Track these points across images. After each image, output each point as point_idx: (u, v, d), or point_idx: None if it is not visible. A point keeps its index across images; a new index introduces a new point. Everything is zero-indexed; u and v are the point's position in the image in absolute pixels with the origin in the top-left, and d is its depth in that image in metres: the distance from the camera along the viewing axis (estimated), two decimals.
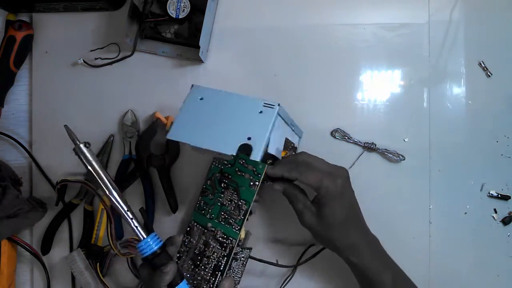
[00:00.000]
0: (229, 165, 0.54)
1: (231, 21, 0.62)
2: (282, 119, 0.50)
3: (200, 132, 0.46)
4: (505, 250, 0.60)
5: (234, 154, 0.44)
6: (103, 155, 0.61)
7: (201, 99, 0.48)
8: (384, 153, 0.60)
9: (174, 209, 0.60)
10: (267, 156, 0.48)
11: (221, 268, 0.52)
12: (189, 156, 0.61)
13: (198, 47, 0.56)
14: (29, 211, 0.58)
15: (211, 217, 0.54)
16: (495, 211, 0.60)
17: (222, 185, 0.54)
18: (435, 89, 0.60)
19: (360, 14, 0.61)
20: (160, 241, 0.48)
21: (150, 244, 0.46)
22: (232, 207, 0.53)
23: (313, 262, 0.58)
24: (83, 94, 0.62)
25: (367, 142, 0.60)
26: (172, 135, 0.46)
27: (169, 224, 0.61)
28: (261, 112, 0.46)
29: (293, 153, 0.56)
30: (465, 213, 0.60)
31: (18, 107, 0.63)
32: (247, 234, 0.55)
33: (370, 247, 0.52)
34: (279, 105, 0.47)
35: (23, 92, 0.63)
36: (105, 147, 0.61)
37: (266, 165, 0.51)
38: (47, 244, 0.61)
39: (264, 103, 0.47)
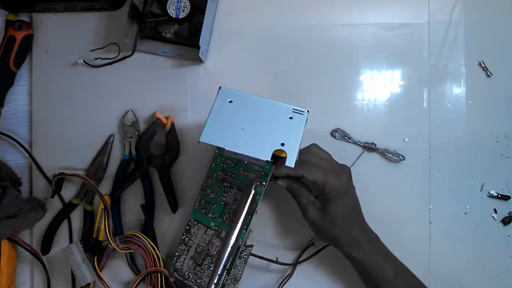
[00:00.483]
0: (233, 164, 0.54)
1: (231, 21, 0.62)
2: None
3: (232, 135, 0.46)
4: (505, 250, 0.60)
5: (269, 160, 0.44)
6: (103, 155, 0.61)
7: (230, 101, 0.48)
8: (384, 153, 0.60)
9: (174, 209, 0.60)
10: (273, 156, 0.48)
11: (227, 267, 0.52)
12: (189, 156, 0.61)
13: (198, 47, 0.56)
14: (29, 211, 0.58)
15: (214, 216, 0.54)
16: (495, 211, 0.60)
17: (225, 184, 0.54)
18: (435, 89, 0.60)
19: (360, 14, 0.61)
20: None
21: None
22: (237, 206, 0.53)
23: (312, 261, 0.58)
24: (83, 94, 0.62)
25: (367, 142, 0.60)
26: (204, 138, 0.46)
27: (169, 223, 0.61)
28: (291, 118, 0.47)
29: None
30: (465, 213, 0.60)
31: (18, 107, 0.63)
32: (248, 232, 0.55)
33: (371, 242, 0.52)
34: (308, 111, 0.47)
35: (23, 92, 0.63)
36: (105, 147, 0.61)
37: (274, 166, 0.51)
38: (47, 244, 0.61)
39: (293, 109, 0.48)
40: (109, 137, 0.62)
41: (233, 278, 0.55)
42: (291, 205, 0.55)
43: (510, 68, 0.60)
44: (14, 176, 0.61)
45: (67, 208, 0.61)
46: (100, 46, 0.62)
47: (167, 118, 0.60)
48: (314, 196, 0.53)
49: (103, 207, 0.60)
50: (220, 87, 0.49)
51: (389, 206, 0.60)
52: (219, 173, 0.55)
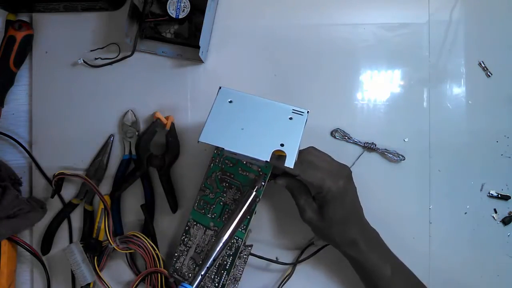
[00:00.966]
0: (231, 164, 0.54)
1: (231, 21, 0.62)
2: None
3: (232, 136, 0.46)
4: (505, 250, 0.60)
5: (268, 160, 0.44)
6: (103, 155, 0.61)
7: (230, 102, 0.48)
8: (384, 153, 0.60)
9: (174, 209, 0.60)
10: (273, 156, 0.49)
11: (227, 267, 0.52)
12: (189, 156, 0.61)
13: (198, 47, 0.56)
14: (29, 211, 0.58)
15: (213, 216, 0.54)
16: (495, 211, 0.60)
17: (224, 184, 0.54)
18: (435, 89, 0.60)
19: (360, 14, 0.61)
20: None
21: None
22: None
23: (312, 260, 0.58)
24: (83, 94, 0.62)
25: (367, 142, 0.60)
26: (203, 138, 0.46)
27: (169, 224, 0.61)
28: (291, 118, 0.47)
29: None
30: (465, 213, 0.60)
31: (18, 107, 0.63)
32: (248, 232, 0.55)
33: (369, 241, 0.52)
34: (308, 112, 0.47)
35: (23, 92, 0.63)
36: (105, 147, 0.61)
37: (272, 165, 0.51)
38: (47, 244, 0.61)
39: (293, 110, 0.48)
40: (109, 137, 0.62)
41: (233, 278, 0.55)
42: (290, 205, 0.55)
43: (510, 68, 0.60)
44: (14, 176, 0.61)
45: (67, 208, 0.61)
46: (100, 46, 0.62)
47: (167, 118, 0.60)
48: (312, 197, 0.53)
49: (103, 207, 0.60)
50: (220, 87, 0.49)
51: (389, 206, 0.60)
52: (217, 174, 0.55)
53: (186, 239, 0.55)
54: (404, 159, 0.60)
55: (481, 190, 0.60)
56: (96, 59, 0.62)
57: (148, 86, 0.62)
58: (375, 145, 0.60)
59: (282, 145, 0.45)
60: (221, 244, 0.48)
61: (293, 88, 0.61)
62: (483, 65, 0.60)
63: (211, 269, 0.53)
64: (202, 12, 0.57)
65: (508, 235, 0.60)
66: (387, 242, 0.54)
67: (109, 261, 0.61)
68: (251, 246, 0.55)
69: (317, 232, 0.54)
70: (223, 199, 0.54)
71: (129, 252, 0.60)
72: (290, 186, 0.53)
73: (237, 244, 0.52)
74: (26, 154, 0.62)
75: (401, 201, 0.60)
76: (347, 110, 0.61)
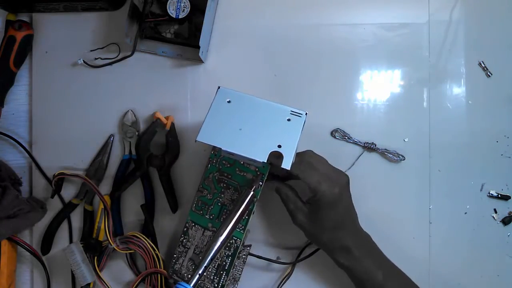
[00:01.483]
0: (229, 165, 0.54)
1: (231, 21, 0.62)
2: None
3: (229, 136, 0.46)
4: (505, 250, 0.60)
5: (265, 161, 0.44)
6: (103, 155, 0.61)
7: (229, 102, 0.48)
8: (384, 153, 0.60)
9: (174, 209, 0.60)
10: (270, 156, 0.49)
11: (226, 268, 0.52)
12: (189, 156, 0.61)
13: (198, 47, 0.56)
14: (29, 211, 0.58)
15: (211, 217, 0.54)
16: (495, 211, 0.60)
17: (222, 185, 0.54)
18: (435, 89, 0.60)
19: (360, 14, 0.61)
20: None
21: None
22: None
23: (311, 260, 0.58)
24: (83, 94, 0.62)
25: (367, 142, 0.60)
26: (201, 138, 0.46)
27: (169, 224, 0.61)
28: (289, 120, 0.47)
29: None
30: (465, 213, 0.60)
31: (18, 107, 0.63)
32: (246, 232, 0.55)
33: (360, 248, 0.52)
34: (306, 114, 0.47)
35: (23, 92, 0.63)
36: (105, 147, 0.61)
37: (269, 166, 0.51)
38: (47, 244, 0.61)
39: (291, 111, 0.48)
40: (109, 137, 0.62)
41: (232, 278, 0.55)
42: None
43: (510, 68, 0.60)
44: (14, 176, 0.61)
45: (67, 208, 0.61)
46: (100, 46, 0.62)
47: (167, 118, 0.60)
48: (303, 201, 0.53)
49: (103, 207, 0.60)
50: (219, 87, 0.49)
51: (389, 206, 0.60)
52: (215, 174, 0.55)
53: (184, 240, 0.55)
54: (404, 159, 0.60)
55: (481, 190, 0.60)
56: (96, 59, 0.62)
57: (148, 86, 0.62)
58: (375, 145, 0.60)
59: (279, 146, 0.45)
60: (218, 243, 0.48)
61: (293, 88, 0.61)
62: (483, 65, 0.60)
63: (210, 269, 0.53)
64: (202, 12, 0.57)
65: (508, 235, 0.60)
66: (387, 243, 0.54)
67: (109, 261, 0.61)
68: (250, 246, 0.55)
69: (308, 237, 0.54)
70: (221, 199, 0.54)
71: (129, 252, 0.60)
72: (279, 191, 0.53)
73: (235, 244, 0.52)
74: (26, 154, 0.62)
75: (401, 201, 0.60)
76: (347, 110, 0.61)
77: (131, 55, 0.59)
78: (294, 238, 0.60)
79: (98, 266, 0.59)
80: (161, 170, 0.60)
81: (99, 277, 0.59)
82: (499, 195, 0.60)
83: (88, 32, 0.63)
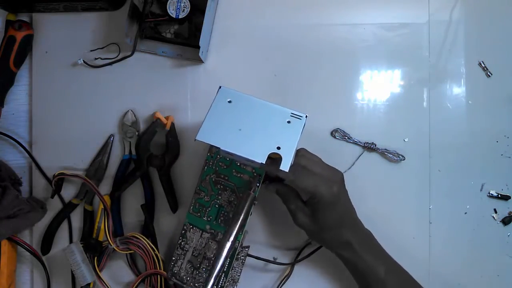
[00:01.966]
0: (225, 166, 0.54)
1: (231, 21, 0.62)
2: None
3: (229, 136, 0.46)
4: (505, 250, 0.60)
5: (264, 162, 0.44)
6: (103, 155, 0.61)
7: (229, 102, 0.48)
8: (384, 153, 0.60)
9: (174, 209, 0.60)
10: (268, 158, 0.48)
11: (225, 269, 0.52)
12: (189, 156, 0.61)
13: (198, 47, 0.56)
14: (29, 211, 0.58)
15: (209, 219, 0.54)
16: (495, 211, 0.60)
17: (218, 187, 0.54)
18: (435, 89, 0.60)
19: (360, 14, 0.61)
20: None
21: None
22: (232, 208, 0.53)
23: (310, 260, 0.58)
24: (83, 94, 0.62)
25: (367, 142, 0.60)
26: (200, 137, 0.46)
27: (169, 224, 0.61)
28: (289, 122, 0.47)
29: None
30: (465, 213, 0.60)
31: (18, 107, 0.63)
32: (244, 233, 0.55)
33: (362, 242, 0.52)
34: (306, 116, 0.47)
35: (23, 92, 0.63)
36: (105, 147, 0.61)
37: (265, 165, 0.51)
38: (47, 244, 0.61)
39: (292, 113, 0.47)
40: (109, 137, 0.62)
41: (231, 279, 0.55)
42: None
43: (510, 68, 0.60)
44: (14, 176, 0.61)
45: (67, 208, 0.61)
46: (100, 46, 0.62)
47: (167, 118, 0.60)
48: (303, 201, 0.53)
49: (103, 207, 0.60)
50: (220, 87, 0.49)
51: (389, 206, 0.60)
52: (211, 176, 0.55)
53: (183, 242, 0.55)
54: (404, 159, 0.60)
55: (481, 190, 0.60)
56: (96, 59, 0.62)
57: (148, 86, 0.62)
58: (375, 145, 0.60)
59: (278, 148, 0.45)
60: (226, 251, 0.48)
61: (293, 88, 0.61)
62: (483, 65, 0.60)
63: (208, 270, 0.53)
64: (202, 12, 0.57)
65: (508, 235, 0.60)
66: (387, 242, 0.54)
67: (109, 261, 0.61)
68: (248, 247, 0.55)
69: (310, 235, 0.54)
70: (218, 201, 0.54)
71: (129, 253, 0.60)
72: (280, 192, 0.53)
73: (234, 246, 0.52)
74: (26, 154, 0.62)
75: (401, 201, 0.60)
76: (347, 110, 0.61)
77: (131, 55, 0.59)
78: (292, 239, 0.60)
79: (98, 266, 0.59)
80: (161, 170, 0.60)
81: (99, 277, 0.59)
82: (499, 195, 0.60)
83: (88, 32, 0.63)
